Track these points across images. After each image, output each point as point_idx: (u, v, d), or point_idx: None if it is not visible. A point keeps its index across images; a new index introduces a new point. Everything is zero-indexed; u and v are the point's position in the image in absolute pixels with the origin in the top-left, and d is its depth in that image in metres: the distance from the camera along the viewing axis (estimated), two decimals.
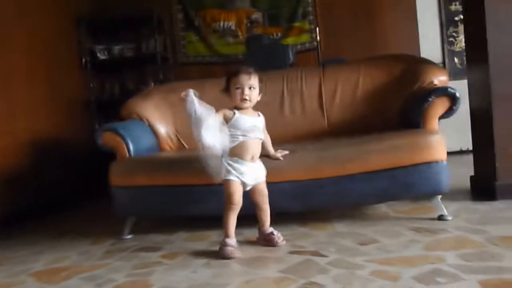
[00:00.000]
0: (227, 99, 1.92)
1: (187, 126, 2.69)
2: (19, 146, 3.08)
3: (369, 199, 2.13)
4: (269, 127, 2.03)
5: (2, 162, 2.92)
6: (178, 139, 2.77)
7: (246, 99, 1.84)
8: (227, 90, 1.90)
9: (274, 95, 2.75)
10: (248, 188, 1.89)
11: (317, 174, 2.06)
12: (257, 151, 1.89)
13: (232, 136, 1.83)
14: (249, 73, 1.85)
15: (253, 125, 1.86)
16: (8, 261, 2.12)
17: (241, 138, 1.83)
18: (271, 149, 2.05)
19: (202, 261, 1.81)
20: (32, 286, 1.73)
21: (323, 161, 2.06)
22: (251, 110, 1.91)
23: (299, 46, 4.19)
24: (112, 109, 3.35)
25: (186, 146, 2.76)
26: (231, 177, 1.84)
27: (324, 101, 2.68)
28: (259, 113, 1.95)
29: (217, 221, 1.90)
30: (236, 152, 1.84)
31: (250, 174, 1.86)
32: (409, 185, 2.03)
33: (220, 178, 1.85)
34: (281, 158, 2.04)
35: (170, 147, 2.75)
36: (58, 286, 1.69)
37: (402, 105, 2.43)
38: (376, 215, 2.28)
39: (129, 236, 2.31)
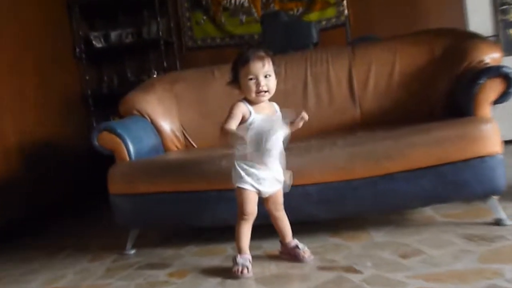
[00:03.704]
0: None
1: (196, 121, 2.76)
2: (7, 150, 3.12)
3: (412, 202, 2.07)
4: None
5: None
6: (185, 137, 2.77)
7: (264, 91, 1.76)
8: (234, 81, 1.82)
9: (295, 82, 2.72)
10: (265, 196, 1.85)
11: (349, 175, 2.01)
12: (277, 154, 1.82)
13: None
14: (262, 58, 1.76)
15: (271, 128, 1.77)
16: None
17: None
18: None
19: (215, 280, 1.79)
20: None
21: (356, 159, 2.01)
22: (267, 102, 1.84)
23: (324, 23, 4.12)
24: (112, 104, 3.36)
25: (194, 145, 2.75)
26: (245, 185, 1.79)
27: (355, 87, 2.64)
28: (275, 104, 1.88)
29: (233, 232, 1.87)
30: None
31: (269, 180, 1.81)
32: (459, 184, 1.97)
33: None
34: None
35: (177, 147, 2.75)
36: None
37: (448, 89, 2.36)
38: (420, 220, 2.23)
39: (133, 251, 2.31)
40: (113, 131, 2.36)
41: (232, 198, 1.87)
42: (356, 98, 2.62)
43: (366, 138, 2.14)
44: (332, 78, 2.68)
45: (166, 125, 2.72)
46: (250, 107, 1.78)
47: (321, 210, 2.06)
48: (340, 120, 2.62)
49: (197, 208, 2.15)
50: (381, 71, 2.61)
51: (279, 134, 1.80)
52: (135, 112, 2.69)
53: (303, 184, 2.01)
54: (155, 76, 3.97)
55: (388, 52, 2.63)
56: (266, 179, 1.80)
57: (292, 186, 1.92)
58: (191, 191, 2.15)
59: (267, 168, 1.79)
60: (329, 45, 3.35)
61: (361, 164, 2.00)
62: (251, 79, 1.75)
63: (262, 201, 1.87)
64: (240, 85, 1.80)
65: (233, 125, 1.74)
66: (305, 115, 1.81)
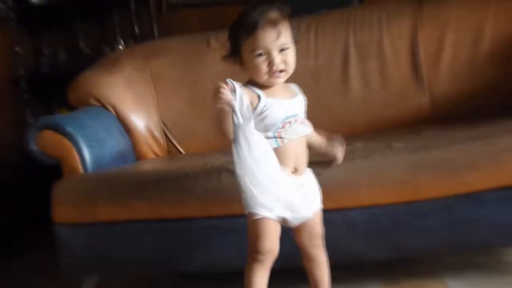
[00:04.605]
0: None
1: (183, 114, 2.77)
2: None
3: (508, 236, 2.07)
4: (324, 110, 1.95)
5: None
6: (167, 138, 2.81)
7: (280, 71, 1.74)
8: (234, 56, 1.80)
9: (331, 56, 2.74)
10: (295, 225, 1.83)
11: (412, 194, 2.02)
12: (303, 156, 1.81)
13: None
14: (275, 23, 1.71)
15: (292, 115, 1.77)
16: None
17: (274, 142, 1.75)
18: (321, 143, 1.94)
19: None
20: None
21: (423, 170, 2.01)
22: (282, 83, 1.81)
23: None
24: (57, 89, 3.38)
25: (180, 149, 2.77)
26: (261, 210, 1.75)
27: (421, 63, 2.66)
28: (295, 85, 1.88)
29: (240, 279, 1.85)
30: None
31: (299, 199, 1.78)
32: None
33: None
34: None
35: (155, 153, 2.78)
36: None
37: None
38: None
39: None
40: (59, 129, 2.38)
41: (239, 228, 1.87)
42: (424, 79, 2.64)
43: (437, 140, 2.16)
44: (386, 50, 2.70)
45: (139, 121, 2.76)
46: (258, 90, 1.75)
47: (371, 246, 2.07)
48: (399, 112, 2.64)
49: (186, 244, 2.16)
50: (462, 39, 2.63)
51: (306, 129, 1.81)
52: (92, 101, 2.72)
53: (345, 208, 2.03)
54: (121, 47, 4.00)
55: (474, 9, 2.65)
56: (292, 198, 1.77)
57: (328, 211, 1.92)
58: (176, 219, 2.16)
59: (290, 180, 1.78)
60: (381, 0, 3.36)
61: (430, 178, 2.00)
62: (260, 54, 1.73)
63: (288, 233, 1.84)
64: (242, 61, 1.78)
65: None
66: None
